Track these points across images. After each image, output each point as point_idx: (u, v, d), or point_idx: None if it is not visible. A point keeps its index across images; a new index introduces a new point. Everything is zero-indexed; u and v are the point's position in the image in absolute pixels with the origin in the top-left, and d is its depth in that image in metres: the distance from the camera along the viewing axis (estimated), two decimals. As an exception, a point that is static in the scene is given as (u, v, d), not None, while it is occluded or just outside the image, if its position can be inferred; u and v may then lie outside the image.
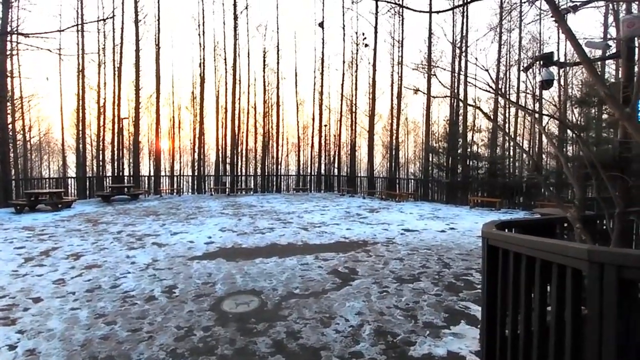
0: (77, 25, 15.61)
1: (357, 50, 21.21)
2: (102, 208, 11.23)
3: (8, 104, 14.62)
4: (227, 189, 16.50)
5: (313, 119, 24.24)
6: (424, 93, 16.27)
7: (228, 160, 21.14)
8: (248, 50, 22.36)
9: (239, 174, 21.59)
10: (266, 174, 22.14)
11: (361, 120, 23.17)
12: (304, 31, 55.40)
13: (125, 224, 8.18)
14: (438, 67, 16.91)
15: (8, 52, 13.73)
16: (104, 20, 16.20)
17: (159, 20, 18.87)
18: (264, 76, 23.12)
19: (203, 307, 3.58)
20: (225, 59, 21.49)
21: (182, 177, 18.42)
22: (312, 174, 23.41)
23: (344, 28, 21.53)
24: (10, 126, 15.16)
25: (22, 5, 15.02)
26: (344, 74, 22.03)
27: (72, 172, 23.27)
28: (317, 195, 16.77)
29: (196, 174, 20.84)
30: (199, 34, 20.91)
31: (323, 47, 22.31)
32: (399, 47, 19.61)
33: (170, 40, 34.70)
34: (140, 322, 3.25)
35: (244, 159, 23.35)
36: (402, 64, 19.14)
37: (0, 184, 12.13)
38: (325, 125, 23.89)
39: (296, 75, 24.54)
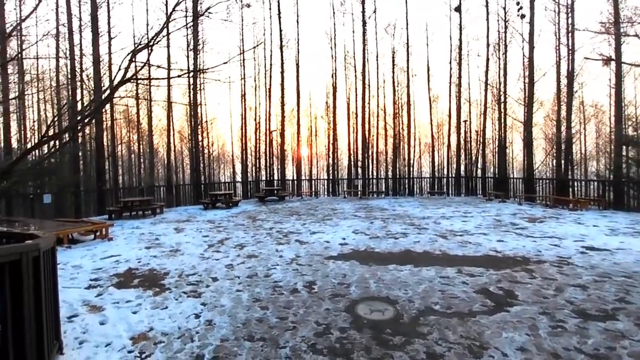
0: (239, 54, 19.48)
1: (506, 27, 18.06)
2: (258, 207, 13.45)
3: (199, 127, 19.58)
4: (359, 192, 16.98)
5: (449, 115, 22.15)
6: (614, 61, 12.21)
7: (359, 163, 21.79)
8: (377, 53, 22.52)
9: (371, 177, 21.87)
10: (397, 176, 21.60)
11: (513, 111, 19.62)
12: (437, 21, 51.58)
13: (275, 221, 9.47)
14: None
15: (199, 88, 18.41)
16: (256, 47, 19.61)
17: (298, 42, 21.34)
18: (393, 77, 22.75)
19: (339, 307, 3.64)
20: (354, 66, 22.32)
21: (318, 181, 20.14)
22: (450, 175, 21.32)
23: (487, 5, 18.82)
24: (200, 143, 20.28)
25: (205, 50, 19.81)
26: (488, 59, 19.18)
27: (238, 177, 29.06)
28: (457, 200, 15.08)
29: (331, 177, 22.41)
30: (331, 47, 22.46)
31: (460, 34, 20.14)
32: (567, 13, 15.57)
33: (307, 57, 38.80)
34: (286, 311, 3.57)
35: (374, 162, 23.58)
36: (573, 31, 15.05)
37: (193, 187, 16.28)
38: (465, 121, 21.37)
39: (428, 70, 23.04)
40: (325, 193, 18.93)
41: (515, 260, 5.35)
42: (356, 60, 22.29)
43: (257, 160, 24.31)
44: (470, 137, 21.87)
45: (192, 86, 18.28)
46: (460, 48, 20.27)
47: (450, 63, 21.27)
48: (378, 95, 23.13)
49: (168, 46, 16.86)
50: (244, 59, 20.16)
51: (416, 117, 25.71)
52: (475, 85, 22.89)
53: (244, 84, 22.39)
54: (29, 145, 19.97)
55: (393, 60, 22.59)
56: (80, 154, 17.16)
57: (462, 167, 21.07)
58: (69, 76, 15.89)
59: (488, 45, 19.07)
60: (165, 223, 9.72)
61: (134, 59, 3.58)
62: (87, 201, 16.30)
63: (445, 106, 23.13)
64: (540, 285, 4.19)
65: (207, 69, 5.12)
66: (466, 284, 4.27)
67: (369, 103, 21.59)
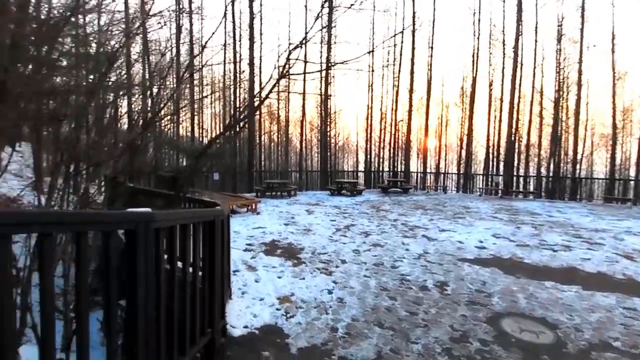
0: (369, 52, 19.50)
1: None
2: (381, 197, 13.43)
3: (328, 118, 20.87)
4: (499, 191, 14.58)
5: (643, 98, 16.42)
6: None
7: (501, 157, 18.74)
8: (536, 24, 18.58)
9: (516, 173, 18.51)
10: (556, 175, 17.50)
11: None
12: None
13: (399, 213, 9.24)
14: None
15: (330, 80, 19.51)
16: (389, 39, 19.16)
17: (434, 23, 19.74)
18: (558, 49, 18.35)
19: (478, 316, 3.26)
20: (503, 42, 19.06)
21: (447, 175, 18.45)
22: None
23: None
24: (328, 134, 21.64)
25: (338, 42, 20.60)
26: None
27: (360, 167, 29.75)
28: (646, 211, 11.16)
29: (462, 172, 20.17)
30: (473, 22, 19.84)
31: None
32: None
33: (441, 38, 35.56)
34: (415, 307, 3.43)
35: (523, 156, 19.76)
36: None
37: (321, 174, 17.57)
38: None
39: (613, 38, 17.55)
40: (454, 189, 17.22)
41: None
42: (506, 35, 19.03)
43: (381, 151, 24.23)
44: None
45: (323, 79, 19.55)
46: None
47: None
48: (534, 75, 19.10)
49: (305, 43, 18.45)
50: (373, 50, 20.06)
51: (589, 100, 20.08)
52: (697, 53, 15.90)
53: (372, 74, 22.40)
54: (204, 134, 25.80)
55: (559, 31, 18.19)
56: (237, 142, 20.94)
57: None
58: (233, 78, 19.49)
59: None
60: (299, 204, 10.85)
61: (289, 57, 4.04)
62: (240, 180, 19.90)
63: (638, 85, 17.17)
64: None
65: (341, 62, 5.35)
66: (670, 325, 3.11)
67: (519, 85, 18.13)
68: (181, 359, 1.87)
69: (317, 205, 10.74)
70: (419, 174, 19.12)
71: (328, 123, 22.05)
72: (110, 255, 1.35)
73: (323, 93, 20.37)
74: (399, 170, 21.24)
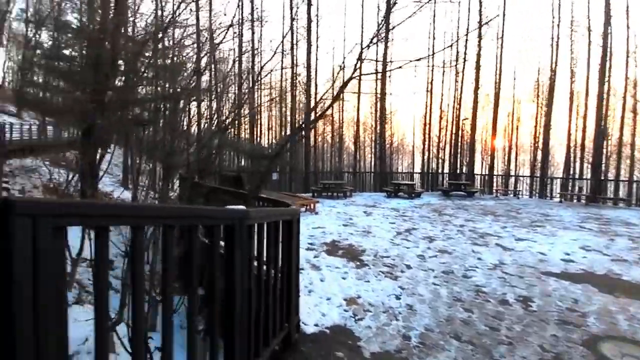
0: (428, 56, 18.58)
1: None
2: (443, 201, 12.68)
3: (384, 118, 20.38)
4: (583, 197, 12.68)
5: None
6: None
7: (586, 158, 16.40)
8: (627, 6, 15.97)
9: (604, 177, 16.03)
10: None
11: None
12: None
13: (465, 219, 8.61)
14: None
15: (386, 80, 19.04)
16: (453, 44, 18.03)
17: (504, 11, 18.10)
18: (658, 35, 15.58)
19: (572, 337, 2.87)
20: (588, 28, 16.73)
21: (517, 178, 16.65)
22: None
23: None
24: (383, 134, 21.13)
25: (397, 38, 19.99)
26: None
27: (416, 168, 28.56)
28: None
29: (537, 174, 18.06)
30: (552, 8, 17.79)
31: None
32: None
33: (513, 28, 32.26)
34: (496, 322, 3.14)
35: (611, 157, 17.10)
36: None
37: (378, 175, 17.24)
38: None
39: None
40: (527, 193, 15.49)
41: None
42: (591, 20, 16.70)
43: (440, 151, 22.96)
44: None
45: (379, 79, 19.14)
46: None
47: None
48: (627, 64, 16.49)
49: (368, 46, 18.28)
50: (434, 53, 18.99)
51: None
52: None
53: (431, 70, 21.31)
54: (261, 137, 27.15)
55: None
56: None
57: None
58: (291, 82, 20.13)
59: None
60: (355, 206, 10.76)
61: (360, 59, 4.02)
62: (295, 180, 20.48)
63: None
64: None
65: (404, 61, 5.16)
66: None
67: (609, 77, 15.74)
68: (265, 349, 1.94)
69: (374, 207, 10.55)
70: (484, 177, 17.64)
71: (384, 123, 21.56)
72: (216, 247, 1.45)
73: (379, 92, 19.99)
74: (461, 172, 19.85)
